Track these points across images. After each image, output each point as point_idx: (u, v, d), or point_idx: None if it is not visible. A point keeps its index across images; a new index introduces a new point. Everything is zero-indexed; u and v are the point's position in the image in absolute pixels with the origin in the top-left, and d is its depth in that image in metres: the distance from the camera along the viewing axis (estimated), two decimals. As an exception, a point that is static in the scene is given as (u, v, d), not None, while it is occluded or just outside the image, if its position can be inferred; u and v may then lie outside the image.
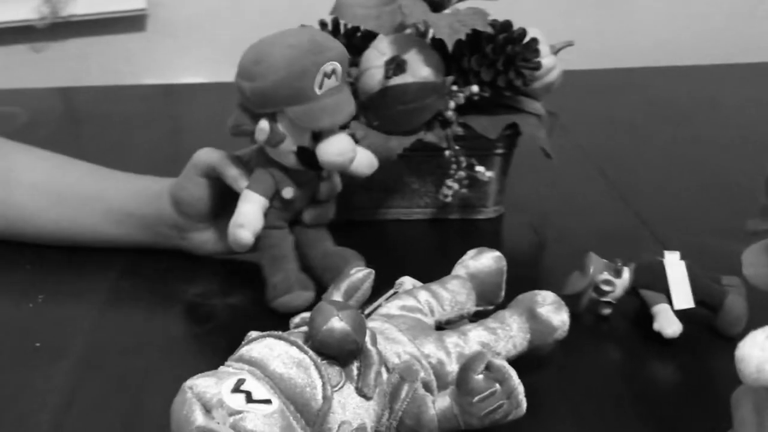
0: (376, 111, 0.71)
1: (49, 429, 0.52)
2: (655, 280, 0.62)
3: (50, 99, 1.24)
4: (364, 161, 0.66)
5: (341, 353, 0.45)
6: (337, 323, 0.44)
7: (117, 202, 0.72)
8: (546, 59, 0.73)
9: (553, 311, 0.56)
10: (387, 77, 0.71)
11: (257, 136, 0.62)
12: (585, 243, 0.68)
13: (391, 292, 0.58)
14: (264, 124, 0.61)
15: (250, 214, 0.63)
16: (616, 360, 0.60)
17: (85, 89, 1.29)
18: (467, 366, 0.47)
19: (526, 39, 0.72)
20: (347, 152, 0.62)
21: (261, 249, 0.65)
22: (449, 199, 0.75)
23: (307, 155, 0.62)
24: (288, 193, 0.64)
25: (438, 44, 0.73)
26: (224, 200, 0.67)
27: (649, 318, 0.61)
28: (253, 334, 0.47)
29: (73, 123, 1.16)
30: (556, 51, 0.76)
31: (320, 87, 0.59)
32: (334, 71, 0.60)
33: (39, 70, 1.39)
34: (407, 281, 0.60)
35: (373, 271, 0.57)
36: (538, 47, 0.72)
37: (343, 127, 0.64)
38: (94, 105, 1.20)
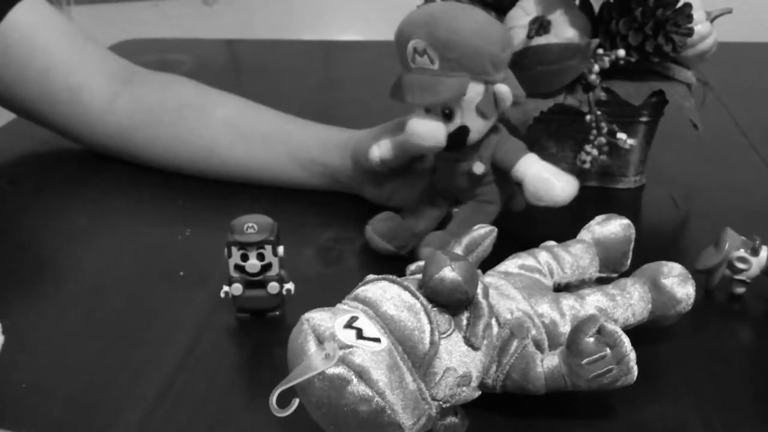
0: (516, 71, 0.71)
1: (186, 348, 0.57)
2: (795, 262, 0.59)
3: (215, 50, 1.31)
4: (559, 190, 0.62)
5: (450, 302, 0.46)
6: (449, 273, 0.45)
7: (303, 147, 0.74)
8: (700, 26, 0.70)
9: (678, 283, 0.54)
10: (529, 37, 0.70)
11: None
12: (727, 220, 0.65)
13: None
14: None
15: (388, 142, 0.67)
16: (745, 341, 0.58)
17: (248, 42, 1.36)
18: (579, 328, 0.47)
19: (679, 3, 0.69)
20: (419, 133, 0.60)
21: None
22: (587, 166, 0.74)
23: None
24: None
25: (586, 6, 0.71)
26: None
27: (786, 301, 0.58)
28: (370, 276, 0.49)
29: (233, 73, 1.22)
30: (712, 18, 0.73)
31: (412, 61, 0.60)
32: (425, 51, 0.58)
33: (208, 22, 1.47)
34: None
35: (496, 229, 0.57)
36: (692, 12, 0.69)
37: (449, 116, 0.61)
38: (255, 57, 1.26)
